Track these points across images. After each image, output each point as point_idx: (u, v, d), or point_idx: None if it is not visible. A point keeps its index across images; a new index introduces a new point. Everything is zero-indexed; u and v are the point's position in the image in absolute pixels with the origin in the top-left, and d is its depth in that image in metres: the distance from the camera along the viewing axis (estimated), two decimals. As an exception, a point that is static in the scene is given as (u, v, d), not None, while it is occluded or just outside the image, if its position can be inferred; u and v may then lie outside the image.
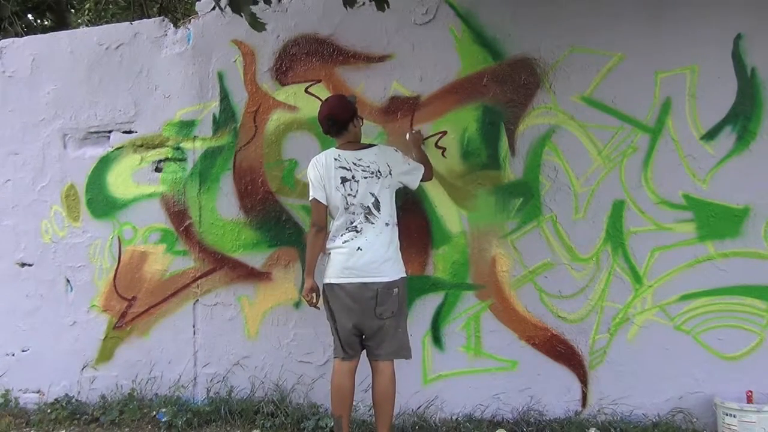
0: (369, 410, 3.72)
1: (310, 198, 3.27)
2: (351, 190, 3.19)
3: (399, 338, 3.21)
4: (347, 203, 3.19)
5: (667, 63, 3.46)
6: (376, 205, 3.20)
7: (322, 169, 3.24)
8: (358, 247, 3.15)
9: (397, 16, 3.72)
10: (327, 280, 3.23)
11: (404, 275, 3.25)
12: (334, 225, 3.24)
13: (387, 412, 3.16)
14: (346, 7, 3.21)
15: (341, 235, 3.20)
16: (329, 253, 3.24)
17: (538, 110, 3.61)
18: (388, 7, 3.28)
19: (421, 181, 3.39)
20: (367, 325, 3.16)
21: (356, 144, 3.31)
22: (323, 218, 3.27)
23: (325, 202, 3.24)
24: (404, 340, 3.24)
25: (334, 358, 3.26)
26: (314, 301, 3.28)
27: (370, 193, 3.19)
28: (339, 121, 3.25)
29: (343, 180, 3.20)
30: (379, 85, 3.81)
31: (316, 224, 3.27)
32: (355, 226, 3.18)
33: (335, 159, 3.23)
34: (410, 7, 3.74)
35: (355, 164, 3.21)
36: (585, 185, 3.56)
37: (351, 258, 3.15)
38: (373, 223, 3.19)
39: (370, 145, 3.34)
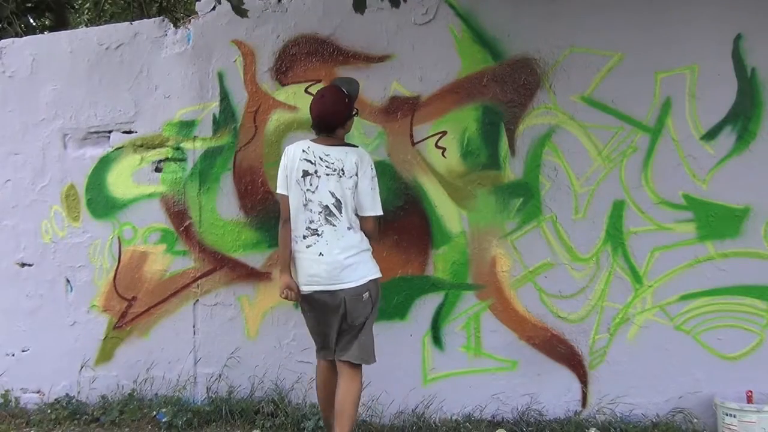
0: (368, 410, 3.73)
1: (277, 191, 3.14)
2: (311, 185, 3.02)
3: (366, 342, 3.07)
4: (305, 199, 3.02)
5: (667, 63, 3.46)
6: (338, 206, 3.01)
7: (288, 161, 3.08)
8: (320, 253, 2.98)
9: (397, 16, 3.72)
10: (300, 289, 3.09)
11: (374, 277, 3.06)
12: (294, 224, 3.07)
13: (347, 419, 2.98)
14: (356, 10, 3.20)
15: (303, 238, 3.03)
16: (294, 256, 3.09)
17: (538, 110, 3.61)
18: (405, 1, 3.24)
19: (362, 221, 3.08)
20: (338, 330, 3.05)
21: (333, 140, 3.11)
22: (287, 212, 3.10)
23: (287, 193, 3.08)
24: (370, 344, 3.10)
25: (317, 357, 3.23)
26: (292, 297, 3.11)
27: (330, 192, 3.00)
28: (330, 125, 3.09)
29: (305, 174, 3.03)
30: (379, 85, 3.81)
31: (283, 217, 3.12)
32: (316, 229, 3.00)
33: (303, 150, 3.06)
34: (410, 7, 3.73)
35: (321, 159, 3.03)
36: (585, 185, 3.56)
37: (314, 265, 2.99)
38: (334, 225, 3.00)
39: (349, 144, 3.14)
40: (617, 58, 3.51)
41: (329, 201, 3.01)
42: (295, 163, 3.05)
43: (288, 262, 3.12)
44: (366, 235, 3.10)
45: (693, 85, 3.43)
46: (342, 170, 3.02)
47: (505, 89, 3.65)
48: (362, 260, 3.03)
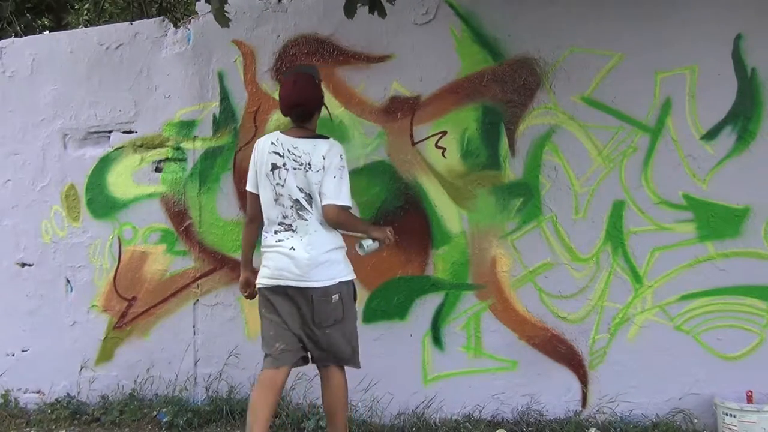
0: (369, 410, 3.73)
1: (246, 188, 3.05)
2: (280, 179, 2.88)
3: (346, 346, 2.93)
4: (276, 194, 2.89)
5: (667, 63, 3.46)
6: (308, 200, 2.87)
7: (258, 155, 2.97)
8: (292, 247, 2.84)
9: (397, 16, 3.72)
10: (259, 282, 2.93)
11: (346, 279, 2.91)
12: (266, 219, 2.94)
13: (340, 421, 2.91)
14: (347, 16, 3.19)
15: (275, 233, 2.90)
16: (263, 252, 2.94)
17: (538, 110, 3.61)
18: (387, 13, 3.23)
19: (324, 210, 2.85)
20: (306, 333, 2.88)
21: (303, 131, 2.97)
22: (254, 208, 3.00)
23: (256, 192, 2.97)
24: (351, 348, 2.97)
25: (262, 368, 2.92)
26: (247, 293, 3.07)
27: (298, 187, 2.86)
28: (308, 113, 2.97)
29: (274, 167, 2.90)
30: (379, 85, 3.81)
31: (249, 216, 3.06)
32: (290, 224, 2.87)
33: (272, 143, 2.94)
34: (410, 7, 3.74)
35: (289, 151, 2.89)
36: (585, 185, 3.56)
37: (284, 259, 2.84)
38: (306, 220, 2.86)
39: (319, 136, 2.97)
40: (617, 58, 3.51)
41: (299, 195, 2.87)
42: (264, 156, 2.93)
43: (249, 260, 3.10)
44: (332, 227, 2.91)
45: (693, 85, 3.43)
46: (309, 164, 2.86)
47: (505, 89, 3.64)
48: (335, 259, 2.89)
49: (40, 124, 4.36)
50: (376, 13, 3.19)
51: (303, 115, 2.97)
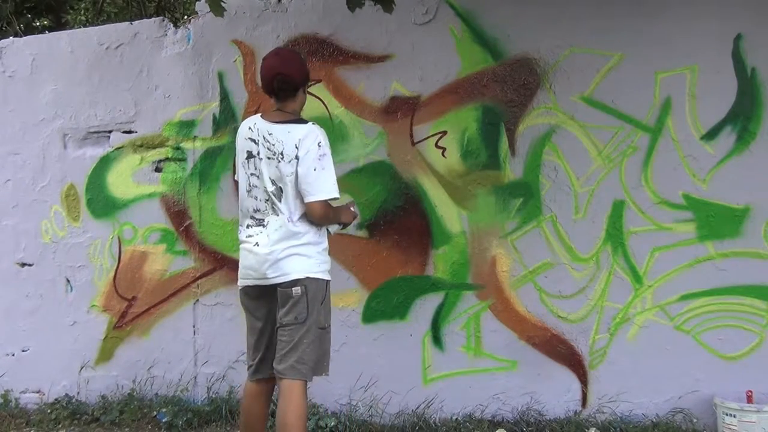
0: (369, 410, 3.73)
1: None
2: (255, 169, 2.66)
3: (304, 353, 2.56)
4: (249, 185, 2.67)
5: (667, 63, 3.46)
6: (277, 194, 2.62)
7: (238, 141, 2.75)
8: (257, 243, 2.62)
9: (397, 16, 3.71)
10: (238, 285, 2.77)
11: (315, 275, 2.61)
12: (239, 211, 2.76)
13: None
14: (350, 9, 3.18)
15: (246, 227, 2.70)
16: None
17: (538, 110, 3.61)
18: (395, 5, 3.23)
19: (307, 208, 2.61)
20: (268, 335, 2.68)
21: (282, 114, 2.68)
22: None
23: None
24: (312, 356, 2.58)
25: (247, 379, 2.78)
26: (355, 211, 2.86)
27: (270, 179, 2.61)
28: (290, 83, 2.65)
29: (249, 155, 2.67)
30: (379, 85, 3.81)
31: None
32: (261, 219, 2.64)
33: (249, 128, 2.70)
34: (410, 7, 3.74)
35: (264, 138, 2.63)
36: (585, 185, 3.56)
37: (249, 256, 2.65)
38: (277, 215, 2.62)
39: (296, 121, 2.67)
40: (617, 58, 3.51)
41: (271, 188, 2.62)
42: (241, 142, 2.72)
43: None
44: (316, 224, 2.65)
45: (693, 85, 3.43)
46: (281, 153, 2.59)
47: (505, 89, 3.64)
48: (301, 253, 2.59)
49: (40, 123, 4.36)
50: (378, 10, 3.18)
51: (284, 86, 2.65)
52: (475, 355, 3.69)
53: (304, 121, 2.69)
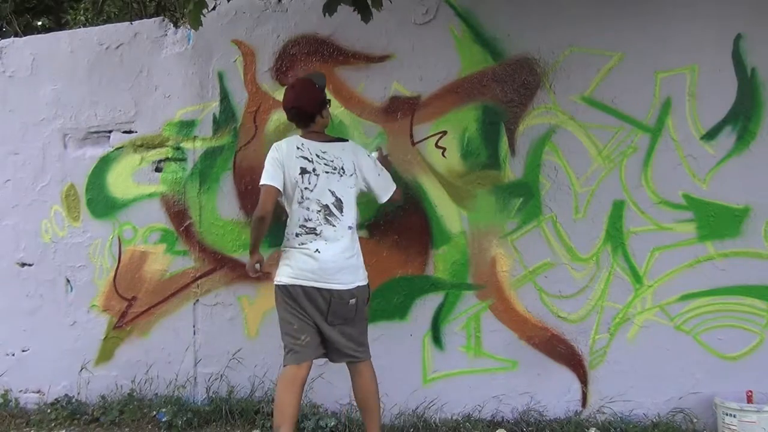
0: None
1: (262, 183, 3.00)
2: (309, 183, 2.98)
3: (347, 341, 3.04)
4: (302, 197, 2.98)
5: (667, 63, 3.46)
6: (338, 205, 3.01)
7: (282, 156, 2.99)
8: (317, 250, 2.96)
9: (397, 16, 3.72)
10: (280, 281, 3.00)
11: (363, 283, 3.07)
12: (289, 221, 3.05)
13: (374, 413, 3.06)
14: (325, 15, 3.21)
15: (296, 236, 3.00)
16: (284, 251, 3.05)
17: (538, 110, 3.61)
18: (372, 18, 3.22)
19: (388, 200, 3.22)
20: (325, 330, 3.00)
21: (322, 135, 3.13)
22: (270, 205, 2.96)
23: (280, 188, 2.97)
24: (355, 343, 3.07)
25: (284, 365, 3.00)
26: (260, 269, 3.08)
27: (330, 191, 3.00)
28: (306, 114, 3.07)
29: (303, 171, 2.99)
30: (379, 85, 3.81)
31: (262, 210, 2.95)
32: (314, 228, 2.98)
33: (297, 147, 3.01)
34: (410, 7, 3.74)
35: (318, 156, 3.01)
36: (585, 185, 3.56)
37: (309, 261, 2.95)
38: (334, 225, 3.00)
39: (339, 139, 3.18)
40: (617, 58, 3.51)
41: (329, 200, 3.00)
42: (292, 159, 2.99)
43: (258, 247, 3.08)
44: (399, 199, 3.35)
45: (693, 85, 3.43)
46: (342, 168, 3.04)
47: (505, 89, 3.65)
48: (357, 264, 3.06)
49: (40, 123, 4.36)
50: (372, 11, 3.19)
51: (299, 117, 3.08)
52: (475, 355, 3.69)
53: (345, 139, 3.20)
